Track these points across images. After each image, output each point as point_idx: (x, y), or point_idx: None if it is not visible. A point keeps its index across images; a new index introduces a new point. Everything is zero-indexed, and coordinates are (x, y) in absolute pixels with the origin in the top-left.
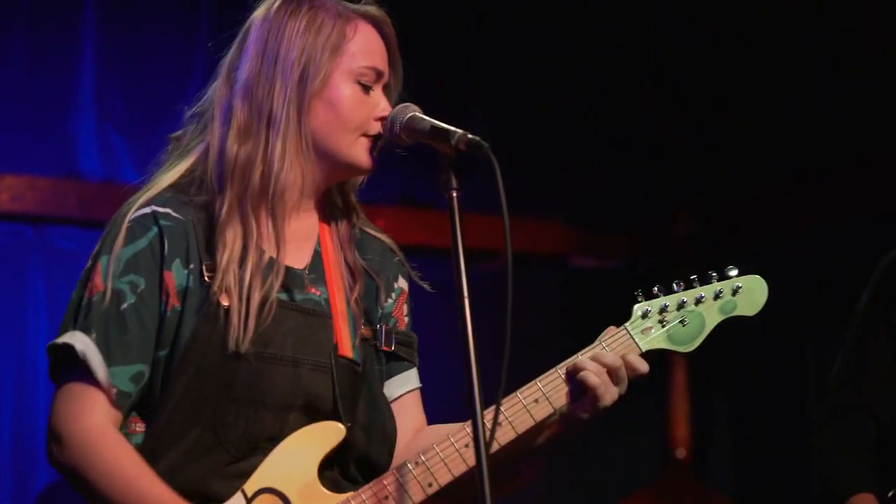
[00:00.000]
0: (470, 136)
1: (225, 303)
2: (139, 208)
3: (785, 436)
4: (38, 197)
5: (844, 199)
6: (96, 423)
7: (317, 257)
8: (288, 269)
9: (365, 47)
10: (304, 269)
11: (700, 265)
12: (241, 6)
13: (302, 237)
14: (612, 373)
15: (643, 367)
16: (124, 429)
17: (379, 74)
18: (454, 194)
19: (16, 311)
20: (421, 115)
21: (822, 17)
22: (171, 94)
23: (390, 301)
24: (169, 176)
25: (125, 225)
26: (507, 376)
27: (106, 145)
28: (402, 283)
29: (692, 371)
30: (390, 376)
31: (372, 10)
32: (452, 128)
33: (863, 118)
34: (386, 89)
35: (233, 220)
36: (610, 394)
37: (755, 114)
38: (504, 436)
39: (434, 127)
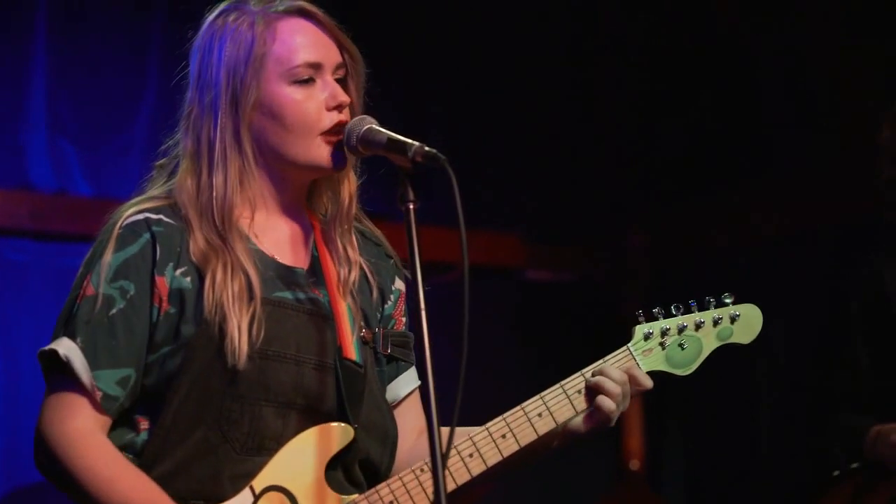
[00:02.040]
0: (427, 148)
1: (223, 307)
2: (131, 215)
3: (737, 446)
4: None
5: (801, 211)
6: (78, 428)
7: (315, 260)
8: (288, 269)
9: (290, 46)
10: (305, 270)
11: (653, 278)
12: (193, 17)
13: (299, 238)
14: (622, 390)
15: (648, 383)
16: (131, 428)
17: (315, 66)
18: (411, 206)
19: None
20: (378, 128)
21: (770, 28)
22: (124, 105)
23: (389, 304)
24: (156, 192)
25: (116, 232)
26: (463, 386)
27: (58, 156)
28: (400, 285)
29: None
30: (393, 378)
31: (297, 4)
32: (409, 140)
33: (816, 129)
34: (342, 74)
35: (202, 246)
36: (620, 410)
37: (708, 127)
38: (508, 448)
39: (391, 139)
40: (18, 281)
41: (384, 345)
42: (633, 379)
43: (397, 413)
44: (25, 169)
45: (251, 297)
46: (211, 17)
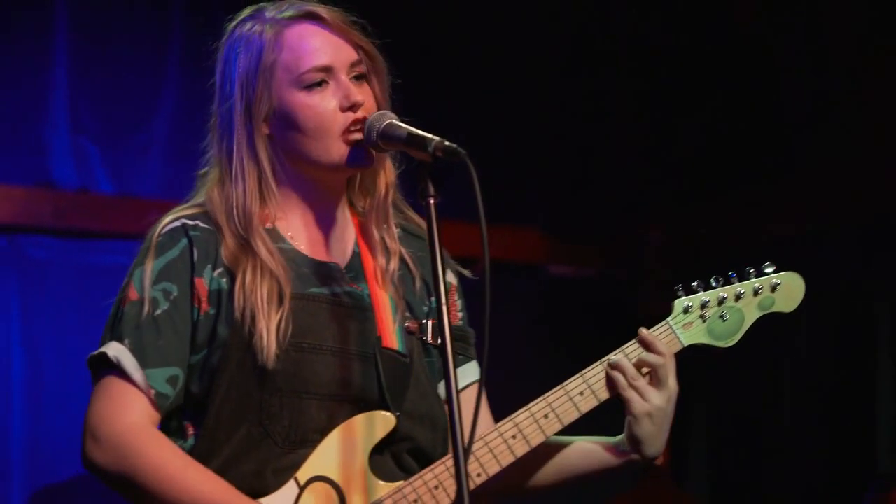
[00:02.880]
0: (447, 143)
1: (253, 307)
2: (168, 223)
3: (762, 441)
4: (12, 206)
5: (820, 210)
6: (137, 422)
7: (356, 256)
8: (324, 265)
9: (298, 52)
10: (344, 266)
11: (673, 275)
12: (212, 17)
13: (337, 234)
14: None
15: (654, 360)
16: (180, 436)
17: (325, 69)
18: (432, 201)
19: None
20: (398, 123)
21: (790, 25)
22: (144, 103)
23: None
24: (193, 200)
25: (155, 240)
26: (485, 381)
27: (79, 155)
28: (451, 278)
29: None
30: None
31: (305, 8)
32: (429, 135)
33: (836, 127)
34: (361, 71)
35: (232, 249)
36: (642, 397)
37: (727, 125)
38: (550, 427)
39: (411, 134)
40: (41, 278)
41: (433, 336)
42: (649, 366)
43: None
44: (48, 167)
45: (281, 299)
46: (231, 26)
